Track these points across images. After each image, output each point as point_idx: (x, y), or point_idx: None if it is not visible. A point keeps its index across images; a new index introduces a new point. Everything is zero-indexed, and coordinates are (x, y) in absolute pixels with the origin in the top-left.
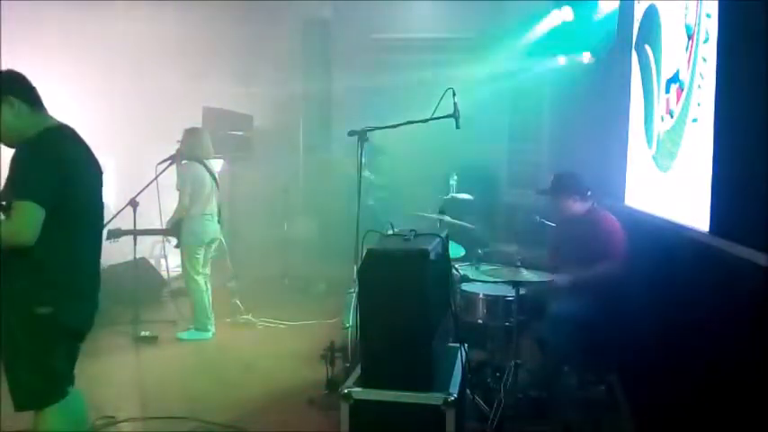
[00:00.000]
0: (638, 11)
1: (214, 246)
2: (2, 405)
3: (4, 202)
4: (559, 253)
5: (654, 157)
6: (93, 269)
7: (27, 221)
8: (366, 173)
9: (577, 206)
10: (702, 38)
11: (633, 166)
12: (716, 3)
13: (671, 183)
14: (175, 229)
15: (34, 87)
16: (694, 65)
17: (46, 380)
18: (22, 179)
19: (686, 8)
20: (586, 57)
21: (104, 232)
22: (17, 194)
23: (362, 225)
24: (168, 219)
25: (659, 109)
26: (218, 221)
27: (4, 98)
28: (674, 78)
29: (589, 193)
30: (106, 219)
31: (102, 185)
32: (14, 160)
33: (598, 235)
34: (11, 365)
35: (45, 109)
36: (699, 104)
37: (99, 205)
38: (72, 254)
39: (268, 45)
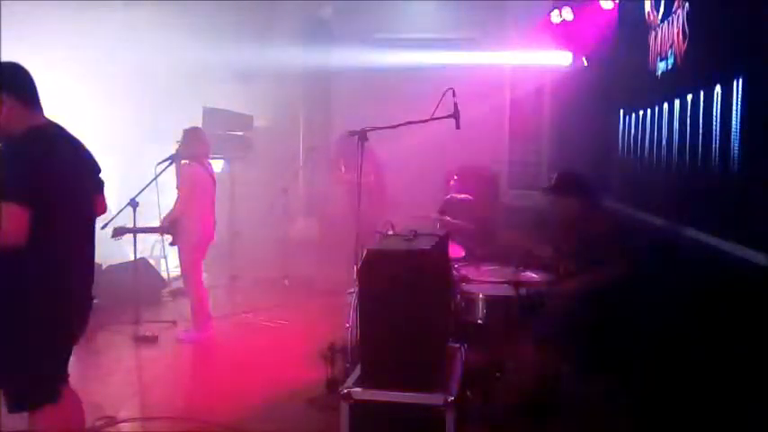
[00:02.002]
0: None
1: (210, 245)
2: (1, 405)
3: None
4: (562, 252)
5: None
6: (84, 269)
7: (12, 224)
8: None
9: (579, 206)
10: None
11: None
12: None
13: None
14: (173, 227)
15: (32, 82)
16: (695, 68)
17: (38, 381)
18: (5, 181)
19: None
20: (586, 57)
21: (110, 230)
22: (3, 195)
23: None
24: (164, 217)
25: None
26: (214, 221)
27: None
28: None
29: (591, 192)
30: (106, 219)
31: (95, 183)
32: (1, 159)
33: (599, 236)
34: (3, 367)
35: (39, 106)
36: (699, 106)
37: (89, 204)
38: (61, 254)
39: (268, 45)
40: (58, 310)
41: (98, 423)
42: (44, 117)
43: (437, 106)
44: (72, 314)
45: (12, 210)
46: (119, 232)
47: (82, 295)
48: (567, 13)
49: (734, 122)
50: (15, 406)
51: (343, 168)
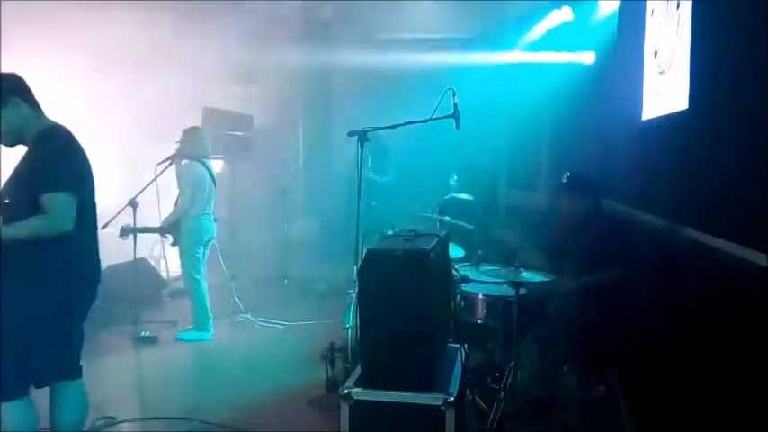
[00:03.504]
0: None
1: (211, 245)
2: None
3: (7, 201)
4: (563, 253)
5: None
6: (97, 260)
7: (64, 212)
8: (370, 174)
9: (587, 207)
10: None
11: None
12: None
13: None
14: (173, 228)
15: (32, 91)
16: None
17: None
18: (50, 172)
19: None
20: (586, 57)
21: (109, 231)
22: (47, 187)
23: (364, 225)
24: (165, 217)
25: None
26: (214, 220)
27: (9, 99)
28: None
29: (600, 194)
30: (106, 219)
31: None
32: (31, 157)
33: (605, 238)
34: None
35: (42, 111)
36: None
37: (94, 198)
38: (81, 244)
39: (268, 45)
40: (76, 297)
41: (98, 423)
42: (50, 120)
43: (437, 106)
44: (86, 299)
45: (61, 198)
46: (125, 231)
47: (94, 283)
48: (567, 13)
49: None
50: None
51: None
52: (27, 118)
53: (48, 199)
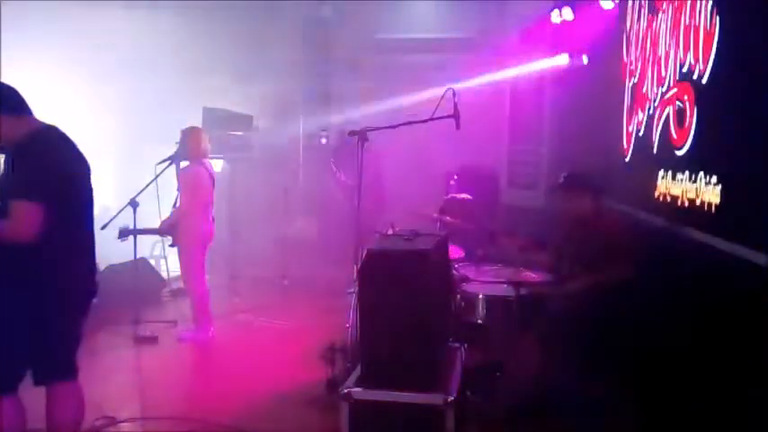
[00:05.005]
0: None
1: (210, 245)
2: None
3: None
4: (563, 253)
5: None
6: (92, 259)
7: (23, 221)
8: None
9: (588, 206)
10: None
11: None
12: None
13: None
14: (172, 228)
15: (18, 93)
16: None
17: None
18: (19, 180)
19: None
20: (586, 57)
21: (109, 231)
22: (14, 195)
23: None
24: (164, 219)
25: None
26: (214, 221)
27: None
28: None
29: (600, 192)
30: (106, 219)
31: (90, 180)
32: (9, 162)
33: (608, 236)
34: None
35: (31, 113)
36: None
37: (91, 197)
38: (69, 247)
39: (268, 45)
40: (69, 297)
41: (98, 423)
42: (38, 121)
43: (437, 106)
44: (81, 298)
45: (25, 207)
46: (124, 233)
47: (84, 289)
48: (568, 13)
49: (734, 121)
50: None
51: (335, 169)
52: (9, 126)
53: (11, 206)
